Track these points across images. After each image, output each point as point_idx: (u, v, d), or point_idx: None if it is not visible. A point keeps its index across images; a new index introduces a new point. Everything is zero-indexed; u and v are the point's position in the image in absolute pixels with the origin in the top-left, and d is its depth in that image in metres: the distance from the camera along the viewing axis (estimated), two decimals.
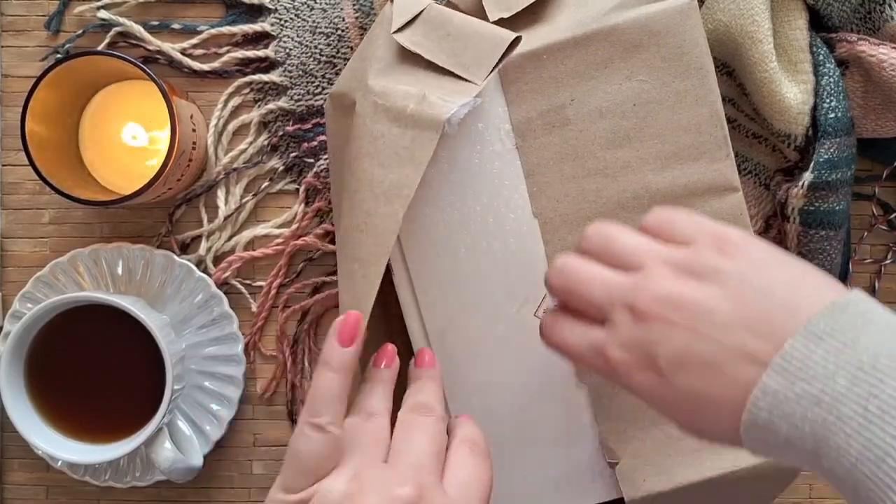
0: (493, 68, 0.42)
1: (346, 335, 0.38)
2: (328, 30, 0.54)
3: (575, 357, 0.38)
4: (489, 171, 0.45)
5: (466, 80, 0.43)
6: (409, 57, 0.44)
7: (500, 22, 0.45)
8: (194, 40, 0.54)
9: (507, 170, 0.45)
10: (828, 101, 0.47)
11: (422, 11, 0.44)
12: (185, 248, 0.55)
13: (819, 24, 0.49)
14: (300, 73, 0.54)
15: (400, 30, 0.44)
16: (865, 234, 0.54)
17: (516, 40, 0.43)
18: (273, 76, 0.54)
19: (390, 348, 0.41)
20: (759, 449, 0.34)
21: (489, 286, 0.45)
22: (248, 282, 0.55)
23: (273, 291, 0.54)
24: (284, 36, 0.54)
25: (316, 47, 0.54)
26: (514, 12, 0.45)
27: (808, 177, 0.47)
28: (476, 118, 0.45)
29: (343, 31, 0.54)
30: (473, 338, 0.45)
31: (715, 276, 0.34)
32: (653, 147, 0.44)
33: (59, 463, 0.53)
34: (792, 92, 0.47)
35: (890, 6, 0.47)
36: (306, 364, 0.55)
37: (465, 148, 0.45)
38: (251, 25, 0.54)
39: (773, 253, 0.35)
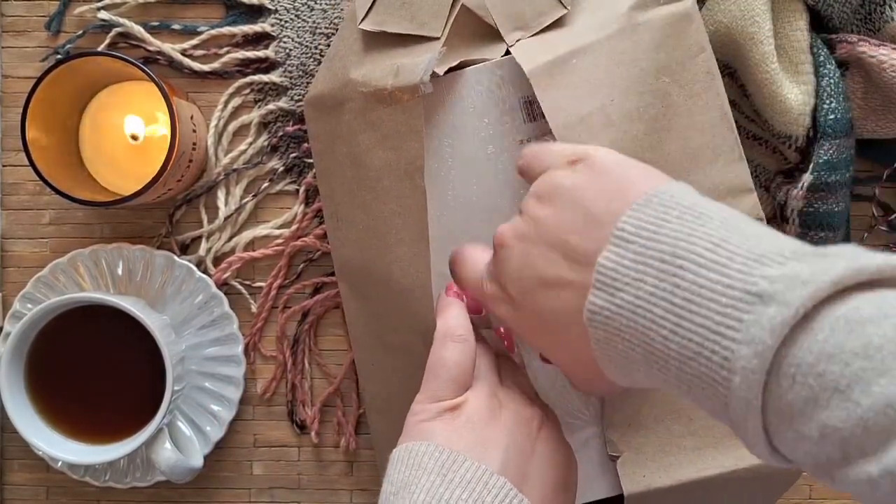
0: (449, 15, 0.42)
1: (450, 291, 0.40)
2: (328, 30, 0.54)
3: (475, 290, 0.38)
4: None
5: (429, 38, 0.44)
6: (379, 41, 0.45)
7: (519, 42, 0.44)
8: (194, 41, 0.54)
9: None
10: (828, 102, 0.47)
11: None
12: (185, 249, 0.55)
13: (820, 25, 0.49)
14: (300, 73, 0.54)
15: (364, 19, 0.45)
16: (865, 234, 0.54)
17: None
18: (273, 77, 0.54)
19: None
20: (618, 375, 0.32)
21: None
22: (248, 282, 0.55)
23: (273, 292, 0.54)
24: (284, 36, 0.54)
25: (316, 48, 0.54)
26: (533, 32, 0.44)
27: (807, 178, 0.47)
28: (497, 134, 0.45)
29: None
30: None
31: (554, 194, 0.33)
32: (678, 150, 0.44)
33: (59, 463, 0.53)
34: (793, 93, 0.47)
35: (890, 7, 0.47)
36: (306, 364, 0.55)
37: (486, 163, 0.45)
38: (251, 26, 0.54)
39: (618, 162, 0.33)
